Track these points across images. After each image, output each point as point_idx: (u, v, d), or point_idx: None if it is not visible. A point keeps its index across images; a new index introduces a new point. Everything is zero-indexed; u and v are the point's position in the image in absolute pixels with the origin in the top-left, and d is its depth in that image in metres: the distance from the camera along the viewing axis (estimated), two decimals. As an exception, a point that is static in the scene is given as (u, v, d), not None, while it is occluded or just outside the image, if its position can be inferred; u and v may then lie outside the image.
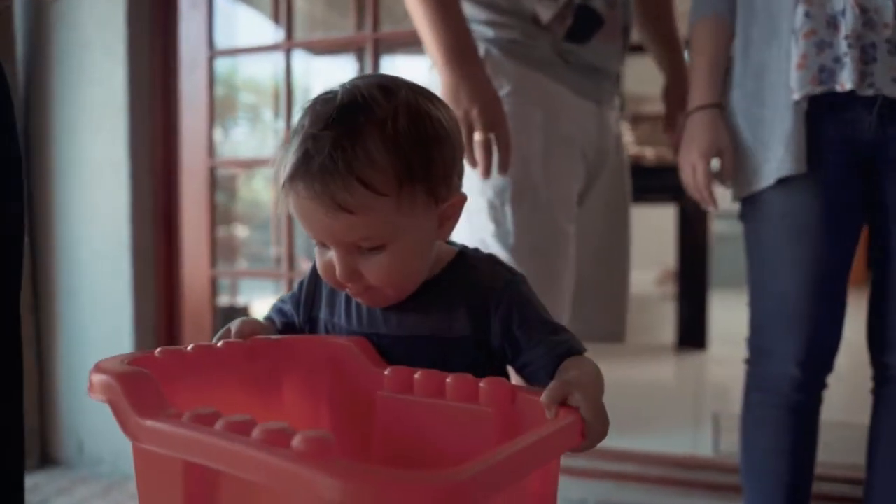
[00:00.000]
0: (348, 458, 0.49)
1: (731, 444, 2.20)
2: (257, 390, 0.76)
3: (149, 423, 0.56)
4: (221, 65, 2.39)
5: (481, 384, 0.64)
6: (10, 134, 0.76)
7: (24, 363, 2.19)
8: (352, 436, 0.74)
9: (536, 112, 1.21)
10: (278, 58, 2.27)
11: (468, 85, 1.12)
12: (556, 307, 1.22)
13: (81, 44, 2.17)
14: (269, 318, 0.84)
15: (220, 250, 2.91)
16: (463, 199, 0.73)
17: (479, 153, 1.14)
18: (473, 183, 1.24)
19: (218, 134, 2.32)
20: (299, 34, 2.35)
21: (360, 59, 2.32)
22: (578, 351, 0.69)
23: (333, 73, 3.05)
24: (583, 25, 1.25)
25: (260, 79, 3.25)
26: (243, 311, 3.29)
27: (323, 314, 0.80)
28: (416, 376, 0.68)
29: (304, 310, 0.81)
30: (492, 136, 1.13)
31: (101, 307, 2.19)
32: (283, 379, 0.78)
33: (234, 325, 0.78)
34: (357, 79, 0.68)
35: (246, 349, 0.75)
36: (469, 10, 1.22)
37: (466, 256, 0.76)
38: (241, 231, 4.20)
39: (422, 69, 1.35)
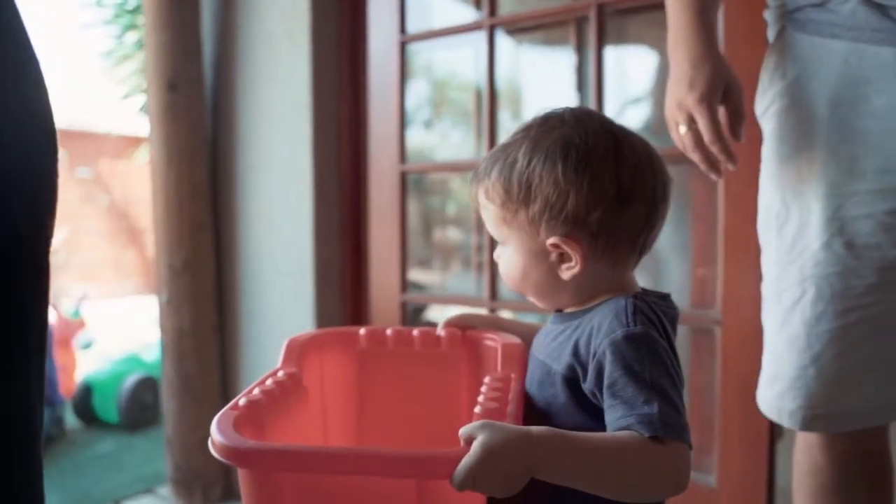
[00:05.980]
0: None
1: None
2: (440, 373, 0.94)
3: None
4: (414, 59, 2.08)
5: (477, 408, 0.70)
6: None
7: (209, 387, 2.02)
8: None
9: (819, 104, 1.02)
10: (478, 47, 1.91)
11: (675, 72, 1.07)
12: (803, 349, 1.03)
13: (265, 36, 1.97)
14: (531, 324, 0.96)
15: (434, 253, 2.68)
16: (572, 246, 0.75)
17: (692, 151, 1.07)
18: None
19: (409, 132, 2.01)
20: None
21: (579, 33, 1.92)
22: (650, 432, 0.63)
23: (544, 63, 2.66)
24: None
25: (458, 75, 2.96)
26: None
27: None
28: (486, 390, 0.75)
29: None
30: (695, 127, 1.05)
31: (282, 330, 1.96)
32: (461, 366, 0.93)
33: (450, 317, 0.95)
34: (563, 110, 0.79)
35: (435, 338, 0.93)
36: None
37: (615, 299, 0.75)
38: (453, 234, 4.00)
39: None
